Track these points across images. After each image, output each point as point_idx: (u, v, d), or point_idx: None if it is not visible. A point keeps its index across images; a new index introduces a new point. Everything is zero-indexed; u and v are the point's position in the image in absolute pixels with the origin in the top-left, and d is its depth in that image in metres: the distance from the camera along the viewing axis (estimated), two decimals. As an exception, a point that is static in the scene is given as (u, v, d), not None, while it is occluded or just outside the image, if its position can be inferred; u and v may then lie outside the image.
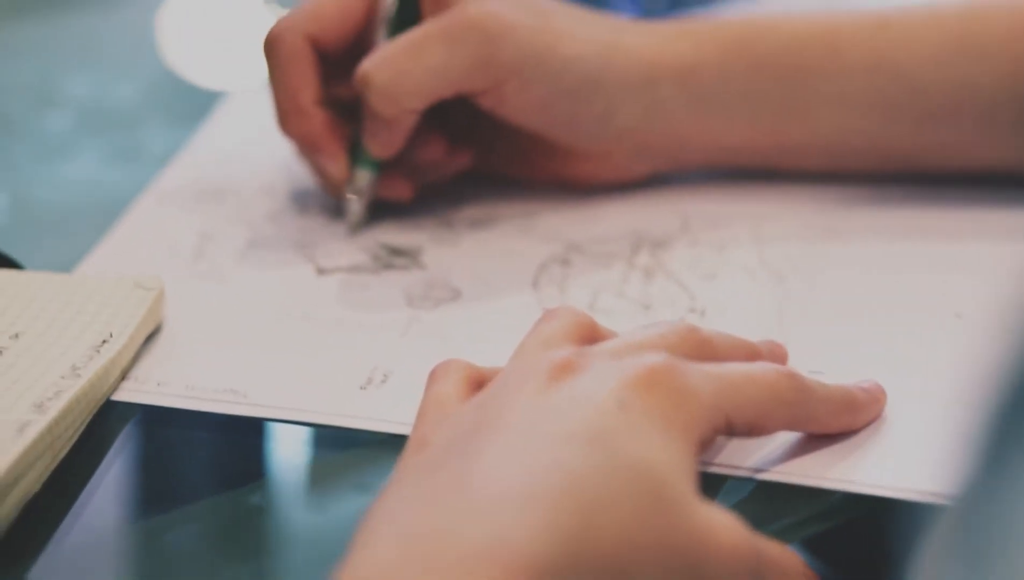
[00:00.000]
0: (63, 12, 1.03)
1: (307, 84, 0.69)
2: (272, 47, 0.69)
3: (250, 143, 0.78)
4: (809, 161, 0.72)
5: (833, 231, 0.69)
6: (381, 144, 0.68)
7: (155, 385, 0.60)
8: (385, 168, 0.70)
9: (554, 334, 0.53)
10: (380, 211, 0.71)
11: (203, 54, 0.96)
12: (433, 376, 0.54)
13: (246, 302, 0.65)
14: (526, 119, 0.69)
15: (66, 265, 0.68)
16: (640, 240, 0.69)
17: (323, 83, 0.69)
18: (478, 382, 0.54)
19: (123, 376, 0.60)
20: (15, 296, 0.63)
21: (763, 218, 0.71)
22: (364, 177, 0.70)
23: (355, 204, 0.70)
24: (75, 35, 1.01)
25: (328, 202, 0.73)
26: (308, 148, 0.69)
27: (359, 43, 0.70)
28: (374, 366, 0.61)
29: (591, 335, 0.54)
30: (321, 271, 0.68)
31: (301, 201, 0.73)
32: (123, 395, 0.60)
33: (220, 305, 0.65)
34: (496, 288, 0.66)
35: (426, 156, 0.71)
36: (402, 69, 0.66)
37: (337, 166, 0.69)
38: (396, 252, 0.69)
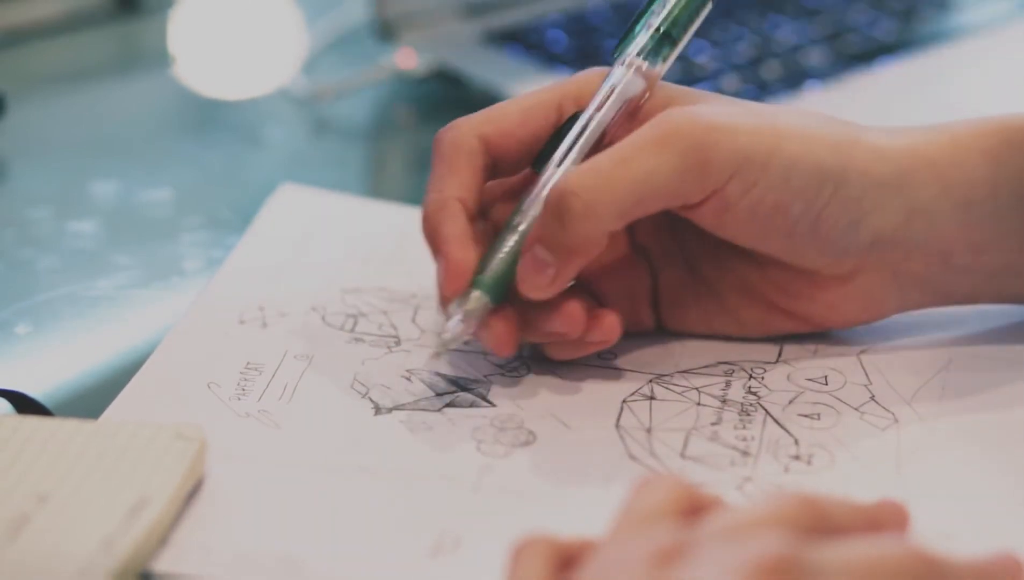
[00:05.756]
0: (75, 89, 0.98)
1: (462, 181, 0.61)
2: (440, 139, 0.62)
3: (297, 254, 0.72)
4: None
5: (950, 357, 0.63)
6: (545, 282, 0.59)
7: (198, 552, 0.54)
8: (501, 301, 0.61)
9: (654, 509, 0.47)
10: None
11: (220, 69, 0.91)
12: (515, 557, 0.48)
13: (297, 450, 0.59)
14: (755, 234, 0.60)
15: (96, 401, 0.62)
16: (732, 371, 0.63)
17: (481, 195, 0.62)
18: (565, 560, 0.48)
19: (162, 541, 0.54)
20: (42, 449, 0.56)
21: (868, 343, 0.64)
22: (478, 303, 0.60)
23: (455, 326, 0.60)
24: (98, 115, 0.96)
25: (384, 326, 0.66)
26: (433, 248, 0.61)
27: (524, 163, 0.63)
28: (443, 528, 0.54)
29: (694, 506, 0.48)
30: (379, 410, 0.61)
31: (354, 323, 0.67)
32: (162, 564, 0.53)
33: (268, 453, 0.59)
34: (575, 430, 0.60)
35: (552, 326, 0.61)
36: (608, 178, 0.57)
37: (453, 282, 0.60)
38: (460, 386, 0.62)
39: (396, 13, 0.99)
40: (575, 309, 0.60)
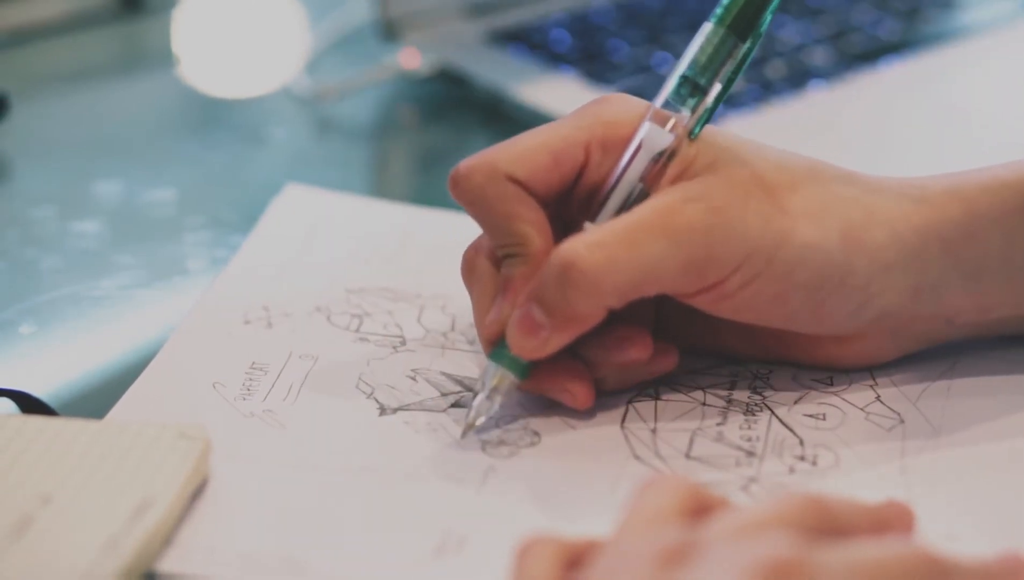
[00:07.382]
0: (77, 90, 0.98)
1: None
2: (469, 179, 0.60)
3: (301, 254, 0.72)
4: None
5: (955, 358, 0.63)
6: (537, 344, 0.57)
7: (203, 552, 0.53)
8: (532, 373, 0.59)
9: (660, 509, 0.47)
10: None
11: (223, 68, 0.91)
12: (520, 558, 0.48)
13: (301, 450, 0.59)
14: (753, 317, 0.59)
15: (100, 401, 0.62)
16: (738, 372, 0.63)
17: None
18: (571, 560, 0.48)
19: (166, 542, 0.54)
20: (46, 449, 0.56)
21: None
22: (503, 381, 0.59)
23: (480, 403, 0.59)
24: (101, 115, 0.96)
25: (389, 325, 0.66)
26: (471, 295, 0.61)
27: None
28: (447, 529, 0.54)
29: (700, 506, 0.48)
30: (384, 410, 0.61)
31: (359, 323, 0.67)
32: (166, 565, 0.53)
33: (272, 453, 0.58)
34: (580, 430, 0.60)
35: (624, 356, 0.60)
36: (615, 260, 0.56)
37: (488, 330, 0.60)
38: (465, 386, 0.62)
39: (400, 13, 0.98)
40: (644, 333, 0.60)
